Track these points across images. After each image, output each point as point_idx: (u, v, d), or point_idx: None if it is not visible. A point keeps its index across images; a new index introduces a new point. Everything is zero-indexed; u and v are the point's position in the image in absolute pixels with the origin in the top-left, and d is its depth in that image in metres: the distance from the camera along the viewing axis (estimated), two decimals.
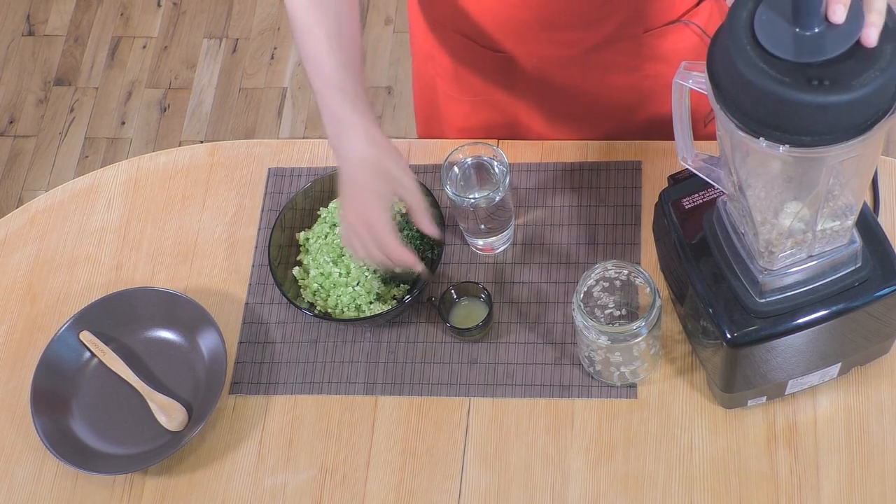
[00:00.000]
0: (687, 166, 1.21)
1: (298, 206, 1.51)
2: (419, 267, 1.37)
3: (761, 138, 1.01)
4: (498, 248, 1.50)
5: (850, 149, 1.03)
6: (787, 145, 1.00)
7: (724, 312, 1.23)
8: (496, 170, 1.42)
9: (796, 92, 0.96)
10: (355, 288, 1.45)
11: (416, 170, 1.57)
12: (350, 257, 1.46)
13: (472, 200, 1.40)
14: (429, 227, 1.35)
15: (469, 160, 1.42)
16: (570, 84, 1.54)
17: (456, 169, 1.42)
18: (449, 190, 1.40)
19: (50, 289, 1.56)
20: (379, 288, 1.46)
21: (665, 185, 1.34)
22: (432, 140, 1.61)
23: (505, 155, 1.41)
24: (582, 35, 1.45)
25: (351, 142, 1.29)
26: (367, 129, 1.29)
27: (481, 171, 1.43)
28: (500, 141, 1.58)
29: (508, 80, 1.54)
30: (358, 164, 1.30)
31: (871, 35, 0.96)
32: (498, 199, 1.40)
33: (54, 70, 3.02)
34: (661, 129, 1.42)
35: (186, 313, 1.47)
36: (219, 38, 3.02)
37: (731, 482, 1.33)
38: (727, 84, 1.01)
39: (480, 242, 1.49)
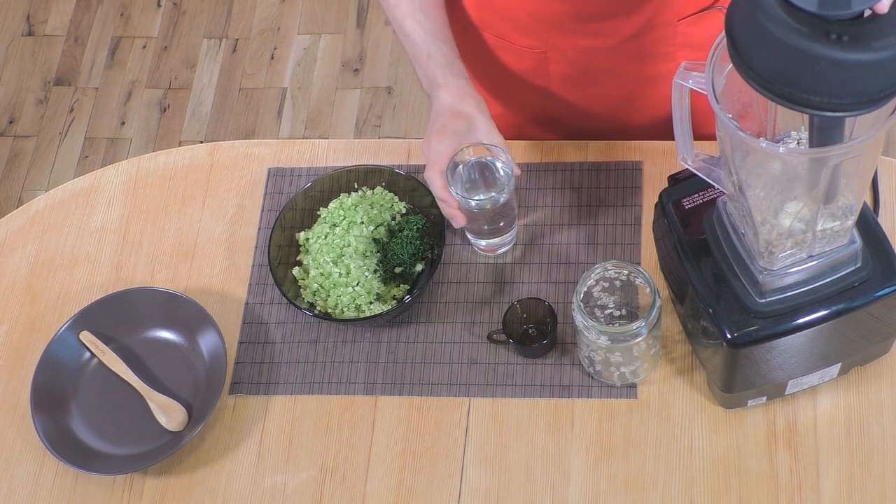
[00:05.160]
0: (687, 166, 1.21)
1: (298, 206, 1.51)
2: (453, 221, 1.41)
3: (763, 139, 1.00)
4: (500, 250, 1.50)
5: (850, 148, 1.03)
6: (799, 105, 0.95)
7: (724, 312, 1.23)
8: (501, 171, 1.41)
9: (813, 43, 0.91)
10: (355, 288, 1.45)
11: (418, 170, 1.57)
12: (350, 257, 1.46)
13: (477, 202, 1.39)
14: (504, 162, 1.40)
15: (473, 160, 1.41)
16: (604, 76, 1.54)
17: (461, 169, 1.41)
18: (453, 190, 1.39)
19: (50, 289, 1.56)
20: (379, 288, 1.46)
21: (665, 185, 1.34)
22: None
23: (511, 157, 1.40)
24: (617, 24, 1.46)
25: (440, 97, 1.40)
26: (457, 85, 1.40)
27: (486, 172, 1.42)
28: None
29: (543, 76, 1.55)
30: (440, 110, 1.40)
31: (884, 3, 0.92)
32: (503, 200, 1.40)
33: (54, 70, 3.02)
34: (699, 120, 1.39)
35: (186, 313, 1.47)
36: (219, 38, 3.02)
37: (731, 482, 1.33)
38: (743, 34, 0.97)
39: (483, 243, 1.49)
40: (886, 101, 0.95)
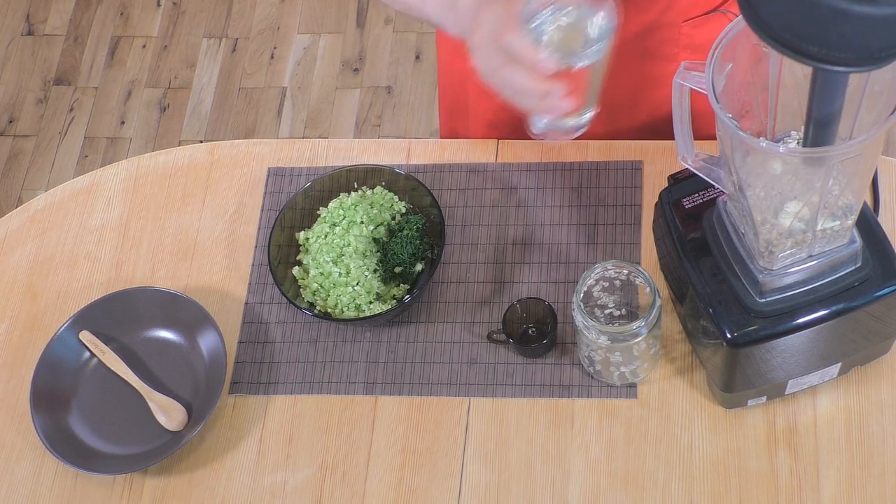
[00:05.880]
0: (687, 166, 1.21)
1: (298, 206, 1.51)
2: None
3: (763, 139, 1.00)
4: (580, 131, 1.19)
5: (850, 148, 1.03)
6: (797, 54, 0.92)
7: (724, 312, 1.23)
8: (598, 22, 1.10)
9: None
10: (355, 288, 1.45)
11: (416, 169, 1.57)
12: (350, 257, 1.46)
13: (585, 51, 1.10)
14: (607, 8, 1.11)
15: (568, 10, 1.09)
16: (607, 74, 1.54)
17: (545, 23, 1.09)
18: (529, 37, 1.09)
19: (50, 288, 1.56)
20: (379, 288, 1.46)
21: (665, 185, 1.34)
22: (431, 140, 1.61)
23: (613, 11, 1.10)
24: (622, 23, 1.45)
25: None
26: None
27: (575, 27, 1.11)
28: (501, 140, 1.59)
29: None
30: (478, 4, 1.15)
31: None
32: (586, 63, 1.10)
33: (54, 70, 3.02)
34: (698, 121, 1.38)
35: (186, 313, 1.47)
36: (218, 38, 3.02)
37: (731, 482, 1.33)
38: None
39: (543, 123, 1.16)
40: (885, 63, 0.92)
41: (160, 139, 2.89)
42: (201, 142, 2.85)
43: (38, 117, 2.96)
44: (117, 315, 1.49)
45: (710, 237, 1.27)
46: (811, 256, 1.19)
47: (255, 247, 1.55)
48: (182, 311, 1.48)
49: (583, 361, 1.40)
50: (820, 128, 1.01)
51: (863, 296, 1.22)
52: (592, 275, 1.33)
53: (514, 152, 1.57)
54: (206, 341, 1.46)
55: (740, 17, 1.08)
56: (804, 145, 1.04)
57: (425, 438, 1.40)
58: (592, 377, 1.40)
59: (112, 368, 1.47)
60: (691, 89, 1.13)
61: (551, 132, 1.19)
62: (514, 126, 1.63)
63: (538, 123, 1.18)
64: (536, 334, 1.43)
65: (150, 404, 1.44)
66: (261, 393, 1.45)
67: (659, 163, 1.53)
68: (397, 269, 1.47)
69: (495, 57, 1.12)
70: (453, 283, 1.49)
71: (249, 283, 1.53)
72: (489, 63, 1.13)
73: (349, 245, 1.47)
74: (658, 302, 1.30)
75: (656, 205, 1.35)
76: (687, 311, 1.32)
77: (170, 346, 1.48)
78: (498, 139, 1.59)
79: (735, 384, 1.30)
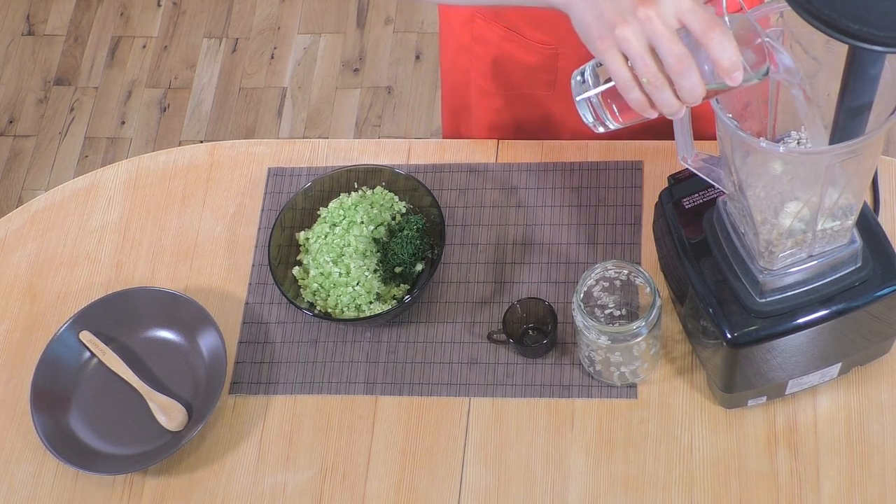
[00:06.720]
0: (687, 166, 1.21)
1: (298, 206, 1.51)
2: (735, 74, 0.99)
3: (763, 139, 1.00)
4: (601, 130, 1.10)
5: (850, 148, 1.03)
6: (836, 32, 0.89)
7: (724, 312, 1.23)
8: (787, 59, 1.04)
9: None
10: (355, 288, 1.45)
11: (416, 170, 1.57)
12: (350, 257, 1.46)
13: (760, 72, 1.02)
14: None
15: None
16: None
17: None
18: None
19: (50, 288, 1.56)
20: (379, 288, 1.46)
21: (665, 185, 1.34)
22: (431, 140, 1.61)
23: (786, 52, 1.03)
24: None
25: None
26: None
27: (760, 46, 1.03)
28: (501, 141, 1.59)
29: (550, 73, 1.54)
30: None
31: None
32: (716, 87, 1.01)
33: (54, 70, 3.02)
34: (699, 121, 1.36)
35: (186, 313, 1.47)
36: (219, 38, 3.02)
37: (731, 482, 1.33)
38: None
39: (592, 113, 1.07)
40: None
41: (160, 139, 2.89)
42: (201, 142, 2.85)
43: (39, 117, 2.96)
44: (117, 315, 1.49)
45: (710, 237, 1.27)
46: (811, 256, 1.19)
47: (255, 247, 1.55)
48: (182, 311, 1.48)
49: (583, 361, 1.40)
50: (851, 116, 1.01)
51: (863, 296, 1.22)
52: (592, 275, 1.33)
53: (515, 152, 1.57)
54: (206, 341, 1.46)
55: (740, 16, 1.08)
56: (832, 138, 1.04)
57: (425, 440, 1.40)
58: (592, 377, 1.40)
59: (112, 368, 1.47)
60: None
61: (595, 122, 1.10)
62: (514, 127, 1.63)
63: (590, 115, 1.08)
64: (536, 334, 1.43)
65: (151, 404, 1.44)
66: (261, 393, 1.45)
67: (659, 163, 1.53)
68: (397, 269, 1.47)
69: (663, 29, 1.00)
70: (453, 284, 1.49)
71: (249, 284, 1.53)
72: (646, 30, 1.00)
73: (349, 245, 1.47)
74: (658, 302, 1.30)
75: (656, 205, 1.35)
76: (687, 311, 1.32)
77: (170, 346, 1.48)
78: (498, 139, 1.59)
79: (735, 384, 1.30)
